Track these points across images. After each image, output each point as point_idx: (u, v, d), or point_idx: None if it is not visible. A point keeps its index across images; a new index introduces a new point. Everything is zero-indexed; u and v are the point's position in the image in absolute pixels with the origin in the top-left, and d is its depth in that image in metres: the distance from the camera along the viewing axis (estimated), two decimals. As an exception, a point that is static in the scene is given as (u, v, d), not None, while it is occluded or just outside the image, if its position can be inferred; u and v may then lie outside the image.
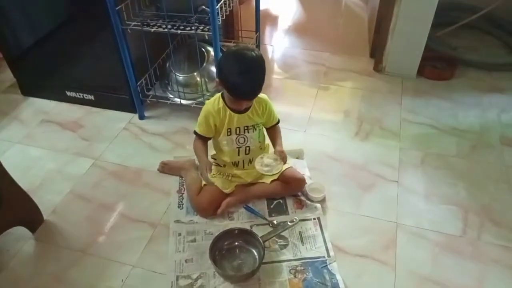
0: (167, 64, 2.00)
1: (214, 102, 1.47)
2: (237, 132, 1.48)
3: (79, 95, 2.12)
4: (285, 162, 1.46)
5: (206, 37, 1.69)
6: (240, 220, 1.54)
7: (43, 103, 2.19)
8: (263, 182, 1.58)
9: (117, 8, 1.67)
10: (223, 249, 1.40)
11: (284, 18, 3.06)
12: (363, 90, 2.25)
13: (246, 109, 1.46)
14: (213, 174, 1.59)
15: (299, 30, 2.89)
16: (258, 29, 2.39)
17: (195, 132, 1.51)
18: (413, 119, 2.02)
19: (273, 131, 1.59)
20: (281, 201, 1.60)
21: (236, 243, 1.42)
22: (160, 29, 1.71)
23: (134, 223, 1.54)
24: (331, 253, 1.41)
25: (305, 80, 2.35)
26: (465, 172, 1.73)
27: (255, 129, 1.50)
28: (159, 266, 1.39)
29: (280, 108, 2.07)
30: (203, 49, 1.96)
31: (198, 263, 1.39)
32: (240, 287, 1.32)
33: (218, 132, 1.50)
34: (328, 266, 1.37)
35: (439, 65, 2.36)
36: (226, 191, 1.55)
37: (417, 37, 2.19)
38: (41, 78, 2.14)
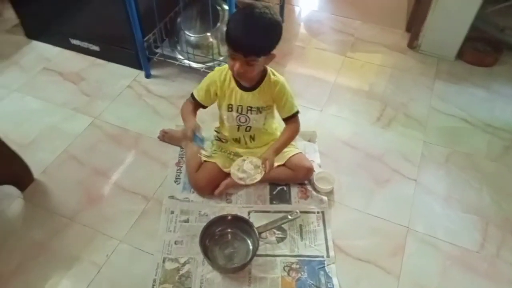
0: (178, 21, 1.81)
1: (222, 72, 1.32)
2: (239, 110, 1.33)
3: (84, 45, 1.97)
4: (266, 172, 1.27)
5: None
6: (238, 204, 1.43)
7: (46, 48, 2.05)
8: (267, 166, 1.45)
9: (124, -48, 1.48)
10: (215, 235, 1.31)
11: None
12: (392, 68, 2.03)
13: (253, 88, 1.29)
14: (215, 150, 1.47)
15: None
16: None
17: (192, 95, 1.36)
18: (444, 108, 1.82)
19: (286, 127, 1.37)
20: (285, 188, 1.47)
21: (230, 230, 1.32)
22: (171, -19, 1.52)
23: (127, 194, 1.45)
24: (331, 253, 1.30)
25: (330, 51, 2.13)
26: (493, 177, 1.55)
27: (260, 113, 1.34)
28: (147, 244, 1.31)
29: (298, 81, 1.92)
30: (218, 7, 1.76)
31: (187, 246, 1.31)
32: (229, 278, 1.24)
33: (219, 105, 1.37)
34: (326, 267, 1.26)
35: (482, 48, 2.11)
36: (227, 170, 1.42)
37: (463, 12, 1.92)
38: (46, 21, 1.99)
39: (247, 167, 1.29)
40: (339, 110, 1.79)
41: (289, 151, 1.42)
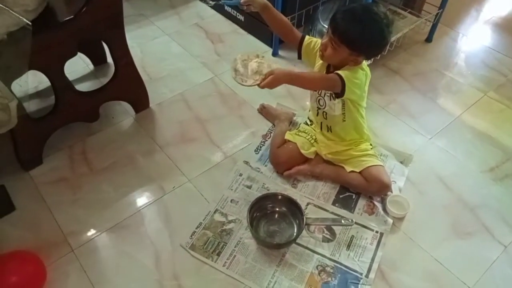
0: (318, 10, 1.86)
1: None
2: (319, 91, 1.33)
3: (233, 13, 2.18)
4: (262, 86, 1.12)
5: (360, -9, 1.49)
6: (301, 192, 1.43)
7: (205, 8, 2.33)
8: (342, 167, 1.41)
9: None
10: (267, 209, 1.34)
11: (493, 5, 2.48)
12: (538, 124, 1.73)
13: (335, 69, 1.25)
14: (299, 131, 1.52)
15: (503, 25, 2.31)
16: (443, 5, 2.00)
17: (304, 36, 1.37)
18: None
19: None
20: (353, 196, 1.42)
21: (280, 209, 1.34)
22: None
23: (212, 145, 1.59)
24: (371, 275, 1.21)
25: (469, 84, 1.91)
26: None
27: (334, 99, 1.30)
28: (208, 192, 1.42)
29: (418, 102, 1.80)
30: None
31: (240, 208, 1.37)
32: (262, 251, 1.26)
33: None
34: (359, 285, 1.19)
35: None
36: (304, 151, 1.45)
37: None
38: (211, -15, 2.26)
39: (251, 67, 1.13)
40: (450, 145, 1.62)
41: (369, 161, 1.36)
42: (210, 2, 1.33)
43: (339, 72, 1.21)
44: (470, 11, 2.43)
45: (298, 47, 1.36)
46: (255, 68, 1.14)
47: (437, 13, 2.01)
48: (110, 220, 1.34)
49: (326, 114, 1.37)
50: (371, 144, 1.45)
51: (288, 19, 1.89)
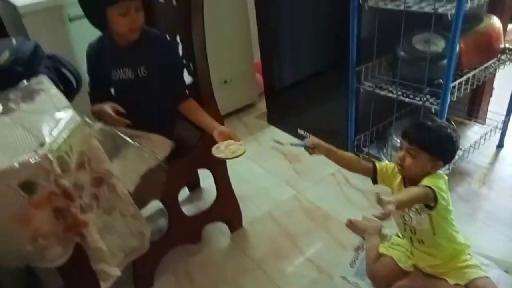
0: (391, 127, 2.03)
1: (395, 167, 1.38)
2: None
3: (307, 135, 2.42)
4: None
5: (433, 111, 1.64)
6: (405, 307, 1.41)
7: (278, 132, 2.61)
8: (445, 280, 1.39)
9: (357, 68, 1.86)
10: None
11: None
12: None
13: (410, 183, 1.32)
14: (392, 243, 1.54)
15: None
16: (509, 112, 2.10)
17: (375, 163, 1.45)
18: None
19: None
20: (461, 310, 1.36)
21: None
22: (390, 94, 1.78)
23: (305, 260, 1.65)
24: None
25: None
26: None
27: (419, 214, 1.32)
28: (310, 309, 1.44)
29: (507, 208, 1.79)
30: (431, 122, 1.90)
31: (345, 326, 1.37)
32: None
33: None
34: None
35: None
36: (401, 264, 1.45)
37: None
38: (283, 113, 2.57)
39: (229, 146, 1.36)
40: (554, 251, 1.56)
41: (473, 272, 1.33)
42: (280, 142, 1.61)
43: (426, 183, 1.25)
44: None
45: (373, 175, 1.45)
46: (232, 149, 1.36)
47: (505, 120, 2.10)
48: None
49: (414, 229, 1.38)
50: (469, 254, 1.43)
51: (361, 136, 2.10)
